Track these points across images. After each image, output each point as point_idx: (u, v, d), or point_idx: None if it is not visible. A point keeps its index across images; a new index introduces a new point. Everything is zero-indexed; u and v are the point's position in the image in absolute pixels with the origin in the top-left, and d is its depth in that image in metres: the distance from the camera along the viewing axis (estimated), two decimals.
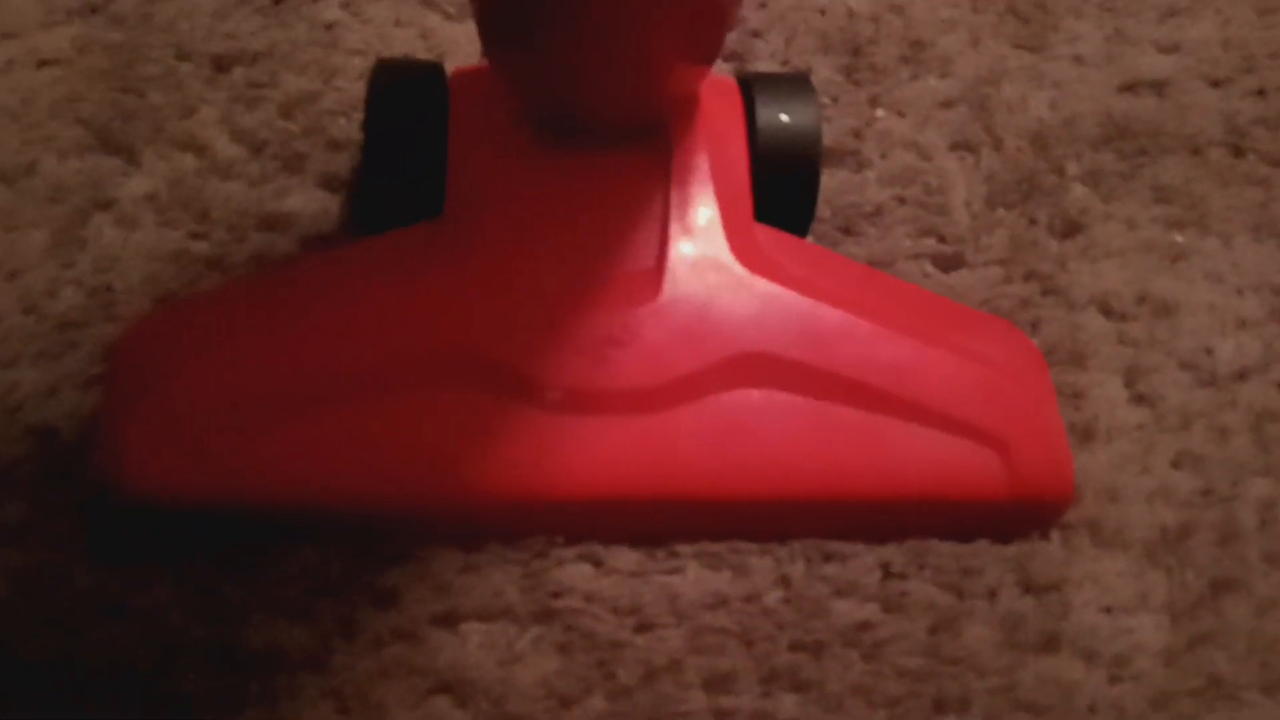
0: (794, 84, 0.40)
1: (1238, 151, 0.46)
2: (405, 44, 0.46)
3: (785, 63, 0.47)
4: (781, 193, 0.39)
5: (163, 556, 0.34)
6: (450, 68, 0.39)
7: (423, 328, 0.35)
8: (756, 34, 0.47)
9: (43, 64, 0.43)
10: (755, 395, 0.35)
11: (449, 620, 0.34)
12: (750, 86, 0.39)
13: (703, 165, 0.37)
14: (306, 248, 0.40)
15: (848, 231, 0.43)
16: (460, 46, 0.46)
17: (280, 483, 0.34)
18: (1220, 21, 0.49)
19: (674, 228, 0.36)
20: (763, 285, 0.36)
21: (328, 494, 0.34)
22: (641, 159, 0.37)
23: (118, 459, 0.33)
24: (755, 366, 0.35)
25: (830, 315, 0.36)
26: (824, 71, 0.47)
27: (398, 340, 0.35)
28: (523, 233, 0.36)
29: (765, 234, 0.38)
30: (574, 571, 0.35)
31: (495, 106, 0.37)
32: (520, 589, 0.34)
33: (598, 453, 0.34)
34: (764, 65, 0.47)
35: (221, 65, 0.44)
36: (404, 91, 0.38)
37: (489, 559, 0.34)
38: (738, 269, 0.36)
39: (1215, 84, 0.47)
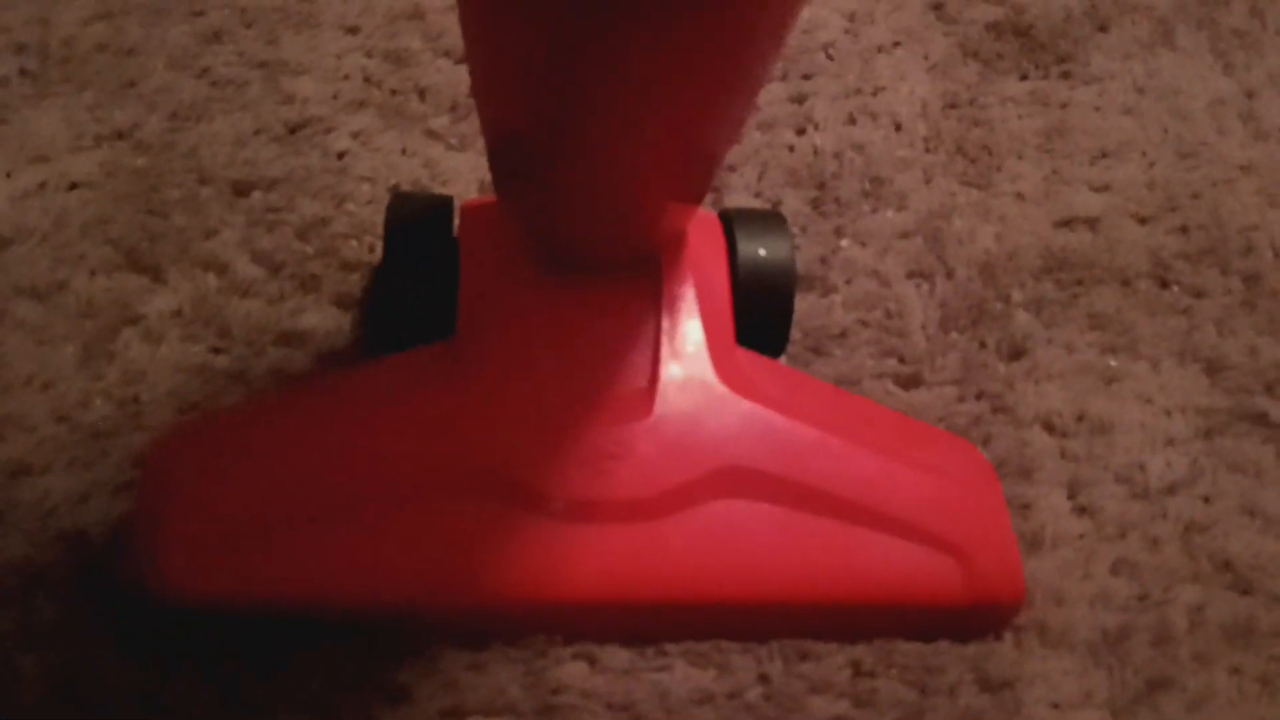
0: (770, 220, 0.44)
1: (1163, 283, 0.50)
2: (411, 172, 0.49)
3: (758, 195, 0.51)
4: (759, 319, 0.43)
5: (190, 655, 0.36)
6: (456, 198, 0.43)
7: (435, 442, 0.38)
8: (732, 168, 0.52)
9: (73, 186, 0.46)
10: (738, 505, 0.39)
11: (457, 715, 0.36)
12: (731, 222, 0.44)
13: (690, 294, 0.41)
14: (321, 362, 0.43)
15: (817, 352, 0.47)
16: (462, 175, 0.50)
17: (302, 586, 0.36)
18: (1146, 164, 0.54)
19: (664, 351, 0.40)
20: (744, 405, 0.40)
21: (347, 597, 0.36)
22: (635, 288, 0.41)
23: (152, 562, 0.36)
24: (738, 479, 0.39)
25: (805, 433, 0.40)
26: (793, 203, 0.51)
27: (412, 454, 0.38)
28: (527, 354, 0.39)
29: (745, 357, 0.42)
30: (572, 669, 0.37)
31: (502, 237, 0.41)
32: (522, 686, 0.37)
33: (596, 558, 0.37)
34: (738, 197, 0.51)
35: (240, 190, 0.47)
36: (419, 223, 0.42)
37: (494, 657, 0.37)
38: (722, 389, 0.40)
39: (1142, 221, 0.52)
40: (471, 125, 0.51)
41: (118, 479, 0.39)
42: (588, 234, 0.40)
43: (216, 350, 0.43)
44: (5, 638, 0.36)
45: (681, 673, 0.38)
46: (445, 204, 0.43)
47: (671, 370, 0.40)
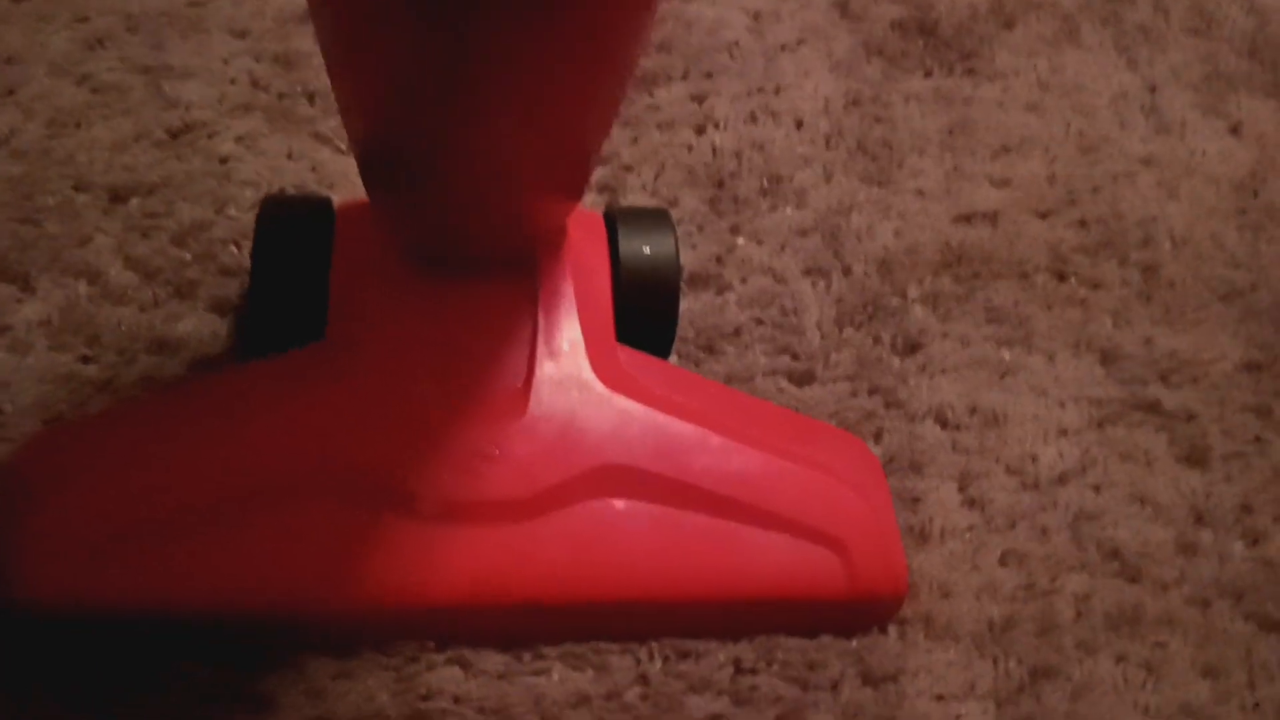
0: (655, 218, 0.44)
1: (1061, 276, 0.50)
2: (297, 176, 0.49)
3: (655, 194, 0.51)
4: (644, 318, 0.42)
5: (48, 679, 0.35)
6: (338, 200, 0.43)
7: (304, 445, 0.37)
8: (628, 168, 0.51)
9: None
10: (615, 505, 0.38)
11: None
12: (614, 220, 0.43)
13: (568, 292, 0.41)
14: (195, 370, 0.42)
15: (710, 350, 0.46)
16: (350, 179, 0.49)
17: (163, 593, 0.35)
18: (1047, 159, 0.55)
19: (540, 350, 0.39)
20: (622, 402, 0.39)
21: (209, 603, 0.36)
22: (511, 287, 0.40)
23: (6, 572, 0.34)
24: (615, 478, 0.38)
25: (684, 430, 0.39)
26: (690, 203, 0.51)
27: (278, 456, 0.37)
28: (400, 355, 0.39)
29: (627, 355, 0.41)
30: (444, 674, 0.37)
31: (375, 237, 0.40)
32: (392, 693, 0.36)
33: (469, 560, 0.37)
34: (634, 197, 0.51)
35: (118, 196, 0.46)
36: (289, 224, 0.41)
37: (362, 665, 0.36)
38: (599, 387, 0.39)
39: (1042, 215, 0.52)
40: None
41: None
42: (459, 232, 0.39)
43: (85, 359, 0.42)
44: None
45: (559, 675, 0.37)
46: (320, 203, 0.42)
47: (547, 369, 0.39)
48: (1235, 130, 0.56)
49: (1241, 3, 0.61)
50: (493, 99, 0.30)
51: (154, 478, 0.36)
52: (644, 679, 0.37)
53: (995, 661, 0.39)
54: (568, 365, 0.39)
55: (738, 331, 0.47)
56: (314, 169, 0.49)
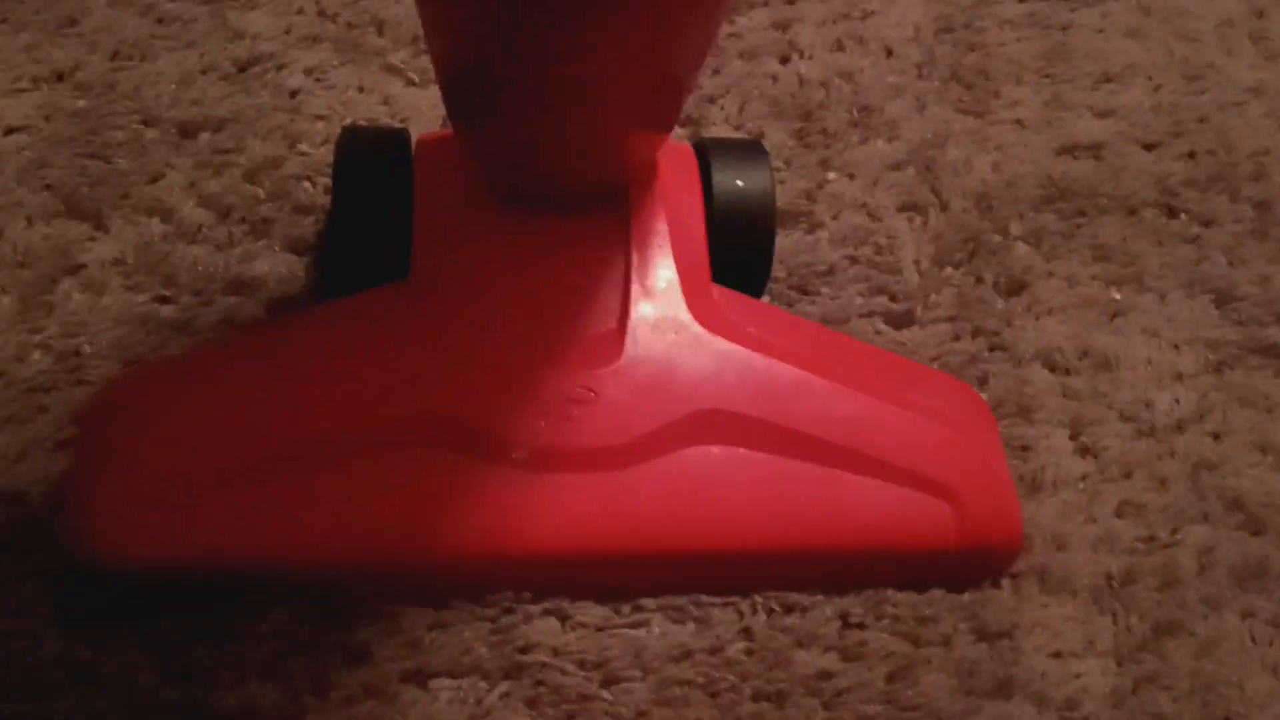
0: (748, 150, 0.42)
1: (1170, 211, 0.48)
2: (368, 110, 0.47)
3: (739, 127, 0.49)
4: (738, 255, 0.40)
5: (132, 620, 0.34)
6: (415, 133, 0.41)
7: (391, 390, 0.35)
8: (711, 99, 0.49)
9: (9, 131, 0.44)
10: (715, 451, 0.36)
11: (419, 676, 0.34)
12: (706, 152, 0.41)
13: (661, 229, 0.39)
14: (273, 310, 0.41)
15: (802, 291, 0.44)
16: (422, 112, 0.47)
17: (251, 545, 0.34)
18: (1151, 88, 0.52)
19: (634, 290, 0.37)
20: (721, 344, 0.37)
21: (298, 555, 0.34)
22: (602, 223, 0.38)
23: (87, 526, 0.33)
24: (714, 423, 0.36)
25: (785, 373, 0.37)
26: (776, 136, 0.48)
27: (366, 402, 0.35)
28: (488, 296, 0.37)
29: (722, 295, 0.39)
30: (541, 627, 0.35)
31: (460, 172, 0.39)
32: (489, 645, 0.35)
33: (564, 509, 0.35)
34: (718, 130, 0.48)
35: (187, 131, 0.45)
36: (370, 158, 0.39)
37: (458, 615, 0.35)
38: (696, 329, 0.37)
39: (1148, 147, 0.50)
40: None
41: (56, 436, 0.37)
42: (550, 167, 0.37)
43: (162, 300, 0.41)
44: None
45: (659, 628, 0.36)
46: (399, 137, 0.40)
47: (642, 310, 0.37)
48: None
49: None
50: (589, 18, 0.28)
51: (238, 425, 0.35)
52: (748, 633, 0.36)
53: (1115, 617, 0.37)
54: (664, 305, 0.37)
55: (831, 271, 0.45)
56: (385, 102, 0.47)
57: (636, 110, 0.35)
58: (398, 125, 0.45)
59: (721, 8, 0.31)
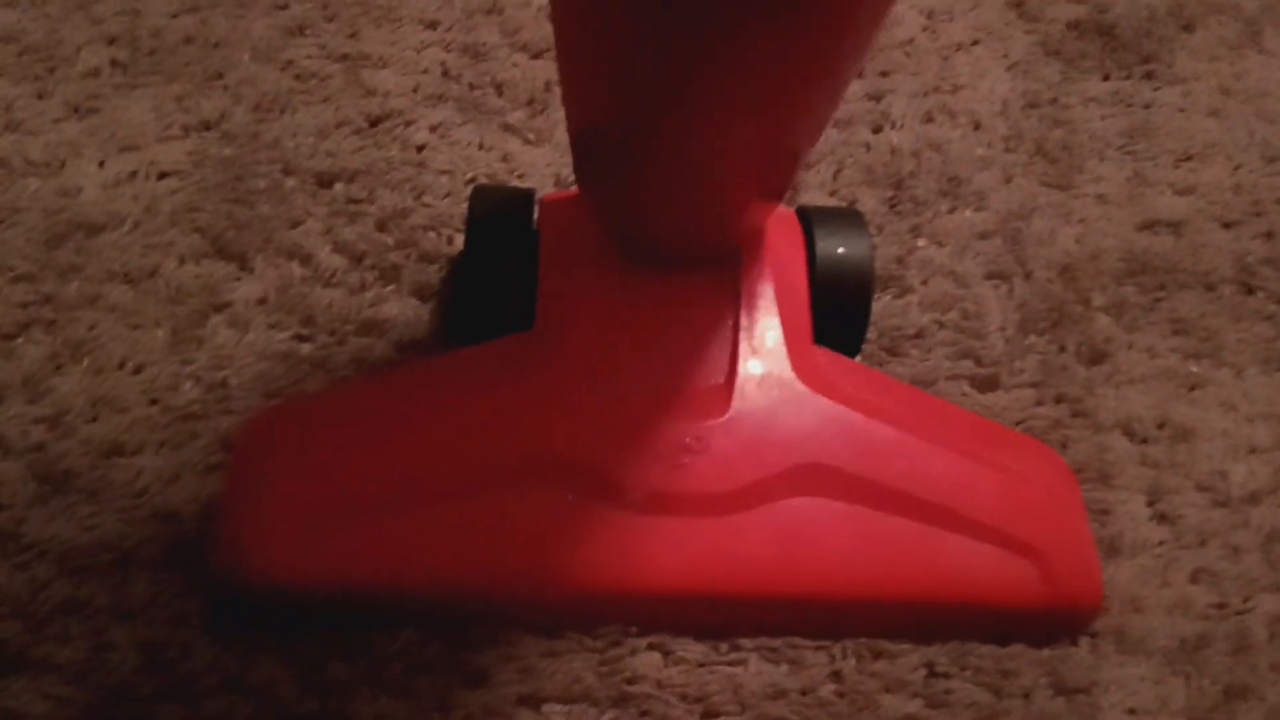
0: (849, 218, 0.44)
1: (1248, 289, 0.50)
2: (487, 166, 0.50)
3: (833, 194, 0.51)
4: (837, 318, 0.43)
5: (275, 636, 0.37)
6: (535, 192, 0.44)
7: (515, 432, 0.38)
8: (808, 165, 0.52)
9: (162, 175, 0.48)
10: (813, 503, 0.39)
11: (533, 701, 0.37)
12: (810, 219, 0.44)
13: (768, 291, 0.41)
14: (401, 351, 0.44)
15: (893, 352, 0.47)
16: (538, 169, 0.50)
17: (385, 573, 0.37)
18: (1231, 167, 0.54)
19: (743, 347, 0.40)
20: (822, 402, 0.40)
21: (425, 582, 0.37)
22: (714, 283, 0.41)
23: (239, 551, 0.36)
24: (814, 477, 0.39)
25: (882, 432, 0.40)
26: (869, 202, 0.51)
27: (492, 443, 0.38)
28: (607, 347, 0.40)
29: (823, 355, 0.42)
30: (646, 660, 0.38)
31: (582, 231, 0.41)
32: (598, 674, 0.37)
33: (672, 551, 0.38)
34: (814, 195, 0.51)
35: (324, 181, 0.48)
36: (500, 217, 0.42)
37: (570, 646, 0.38)
38: (799, 387, 0.40)
39: (1227, 225, 0.52)
40: (547, 120, 0.51)
41: (206, 460, 0.40)
42: (669, 229, 0.40)
43: (300, 338, 0.44)
44: (101, 610, 0.37)
45: (755, 667, 0.38)
46: (527, 197, 0.43)
47: (750, 367, 0.40)
48: None
49: None
50: (716, 95, 0.31)
51: (373, 460, 0.38)
52: (838, 676, 0.38)
53: (1188, 678, 0.39)
54: (769, 363, 0.40)
55: (920, 334, 0.47)
56: (504, 159, 0.50)
57: (755, 180, 0.38)
58: (524, 186, 0.48)
59: (840, 89, 0.34)
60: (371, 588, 0.37)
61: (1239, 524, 0.43)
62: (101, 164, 0.48)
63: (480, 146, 0.50)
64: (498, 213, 0.42)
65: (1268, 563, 0.42)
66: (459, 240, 0.47)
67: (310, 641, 0.37)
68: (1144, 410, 0.45)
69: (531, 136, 0.51)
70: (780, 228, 0.43)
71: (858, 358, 0.45)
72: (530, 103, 0.52)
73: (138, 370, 0.42)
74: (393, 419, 0.39)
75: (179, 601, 0.37)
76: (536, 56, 0.53)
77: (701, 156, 0.35)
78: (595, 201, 0.41)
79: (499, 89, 0.52)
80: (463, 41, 0.54)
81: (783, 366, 0.40)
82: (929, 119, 0.54)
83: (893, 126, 0.53)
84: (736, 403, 0.39)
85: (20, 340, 0.42)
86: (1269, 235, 0.51)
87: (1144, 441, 0.44)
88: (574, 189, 0.43)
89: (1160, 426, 0.45)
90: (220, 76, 0.51)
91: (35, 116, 0.49)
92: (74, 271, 0.44)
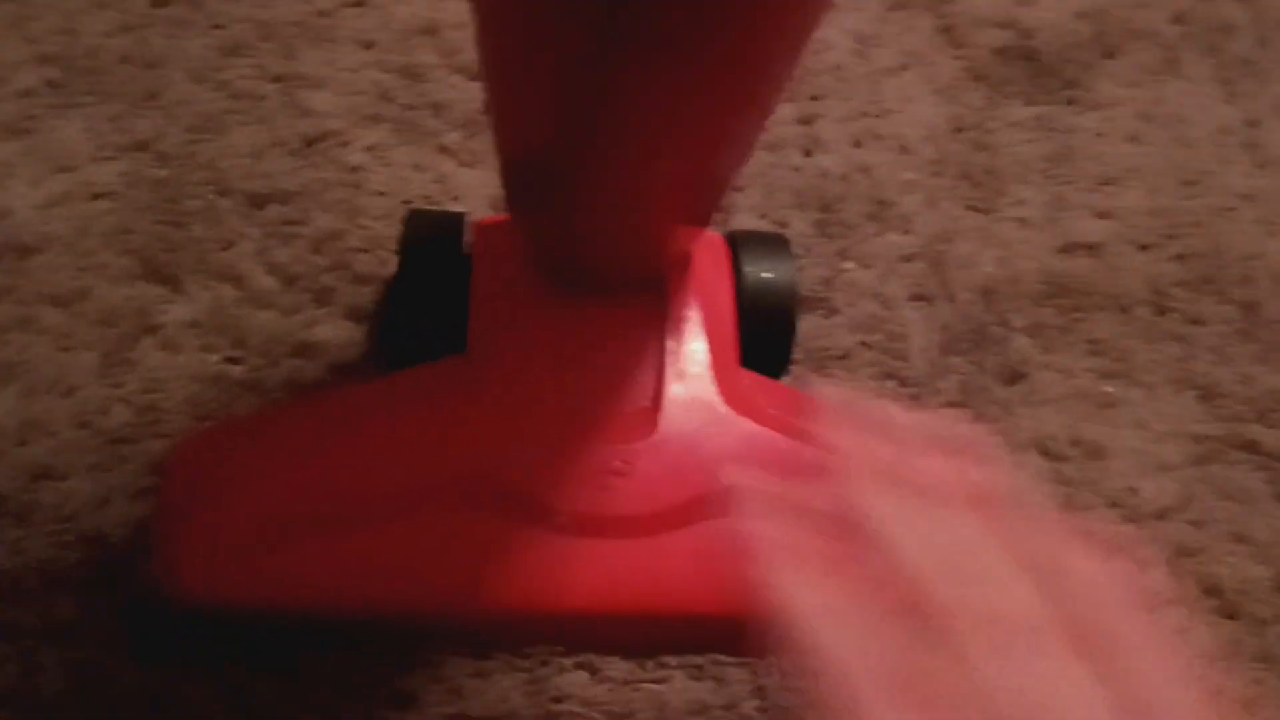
0: (774, 243, 0.45)
1: (1161, 310, 0.51)
2: (423, 187, 0.51)
3: (764, 216, 0.52)
4: (763, 341, 0.44)
5: (201, 659, 0.37)
6: (467, 214, 0.44)
7: (446, 455, 0.39)
8: (738, 189, 0.53)
9: (96, 196, 0.48)
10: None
11: None
12: (736, 244, 0.45)
13: (695, 315, 0.42)
14: (334, 373, 0.44)
15: (818, 372, 0.48)
16: (473, 191, 0.51)
17: (314, 592, 0.37)
18: (1148, 191, 0.55)
19: (670, 371, 0.41)
20: (746, 425, 0.41)
21: (354, 603, 0.38)
22: (642, 308, 0.42)
23: (173, 568, 0.37)
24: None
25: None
26: (798, 225, 0.52)
27: (423, 465, 0.39)
28: (536, 372, 0.40)
29: (748, 378, 0.43)
30: (573, 679, 0.38)
31: (514, 255, 0.42)
32: (525, 694, 0.38)
33: (598, 571, 0.38)
34: (744, 218, 0.52)
35: (258, 202, 0.49)
36: (434, 242, 0.43)
37: (498, 666, 0.38)
38: (725, 410, 0.41)
39: (1143, 248, 0.53)
40: (483, 142, 0.52)
41: (136, 484, 0.40)
42: (598, 255, 0.41)
43: (232, 360, 0.44)
44: (28, 633, 0.37)
45: (680, 684, 0.39)
46: (457, 221, 0.44)
47: (676, 390, 0.41)
48: None
49: None
50: (648, 122, 0.32)
51: (304, 483, 0.38)
52: (760, 691, 0.39)
53: None
54: (695, 387, 0.41)
55: (846, 355, 0.48)
56: (439, 180, 0.51)
57: (681, 206, 0.39)
58: (457, 210, 0.49)
59: (764, 116, 0.35)
60: (302, 608, 0.37)
61: (1147, 539, 0.44)
62: (35, 184, 0.48)
63: (415, 168, 0.51)
64: (430, 237, 0.43)
65: (1173, 576, 0.43)
66: (393, 262, 0.47)
67: (238, 663, 0.37)
68: (1059, 429, 0.47)
69: (467, 158, 0.52)
70: (708, 253, 0.44)
71: (785, 379, 0.46)
72: (466, 125, 0.52)
73: (68, 393, 0.42)
74: (324, 441, 0.39)
75: (107, 624, 0.37)
76: (473, 78, 0.54)
77: (629, 185, 0.36)
78: (525, 228, 0.41)
79: (435, 110, 0.53)
80: (399, 63, 0.54)
81: (708, 390, 0.41)
82: (858, 143, 0.55)
83: (822, 150, 0.55)
84: (662, 425, 0.40)
85: None
86: (1182, 258, 0.53)
87: (1058, 459, 0.46)
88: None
89: (1074, 444, 0.46)
90: (155, 97, 0.51)
91: None
92: (4, 294, 0.44)
